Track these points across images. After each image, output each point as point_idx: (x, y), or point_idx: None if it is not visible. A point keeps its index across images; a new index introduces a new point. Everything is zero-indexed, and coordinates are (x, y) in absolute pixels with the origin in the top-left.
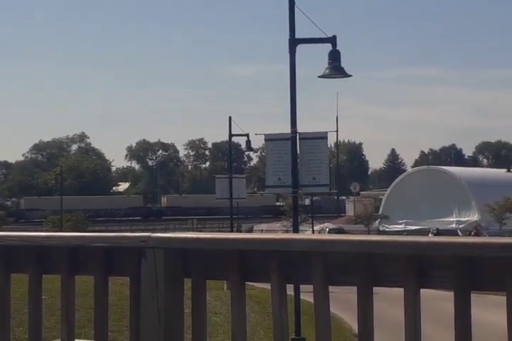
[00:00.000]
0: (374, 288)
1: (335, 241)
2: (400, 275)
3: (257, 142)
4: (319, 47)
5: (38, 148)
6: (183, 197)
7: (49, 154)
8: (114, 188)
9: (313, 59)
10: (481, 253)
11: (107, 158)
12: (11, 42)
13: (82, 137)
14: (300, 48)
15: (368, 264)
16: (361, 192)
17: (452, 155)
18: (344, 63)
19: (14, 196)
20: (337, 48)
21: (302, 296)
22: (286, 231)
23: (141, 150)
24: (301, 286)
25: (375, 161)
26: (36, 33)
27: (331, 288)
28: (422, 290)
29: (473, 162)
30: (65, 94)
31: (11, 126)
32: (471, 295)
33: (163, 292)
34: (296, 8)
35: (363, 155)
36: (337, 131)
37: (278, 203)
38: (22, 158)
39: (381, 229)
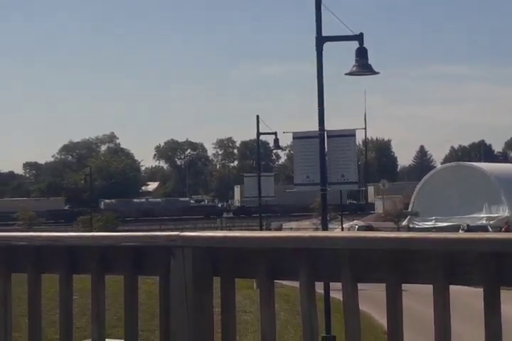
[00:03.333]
0: (403, 284)
1: (363, 238)
2: (429, 272)
3: (285, 140)
4: (347, 44)
5: (67, 148)
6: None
7: (79, 155)
8: (143, 188)
9: (341, 57)
10: (510, 248)
11: (136, 158)
12: (40, 44)
13: (112, 137)
14: (328, 46)
15: (397, 261)
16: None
17: (482, 151)
18: (372, 61)
19: (44, 197)
20: (364, 46)
21: (332, 294)
22: (316, 229)
23: (169, 150)
24: (331, 284)
25: (404, 158)
26: (65, 36)
27: (360, 286)
28: (451, 287)
29: (503, 158)
30: (94, 95)
31: (40, 127)
32: (501, 291)
33: (192, 291)
34: (322, 6)
35: (392, 152)
36: (365, 129)
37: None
38: (52, 159)
39: (411, 226)
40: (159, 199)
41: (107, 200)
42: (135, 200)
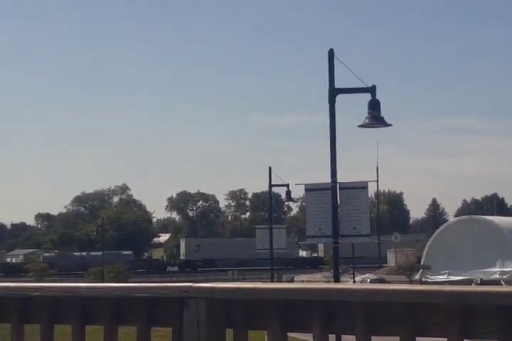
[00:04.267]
0: (417, 338)
1: (377, 291)
2: (443, 325)
3: (297, 192)
4: (360, 96)
5: (80, 200)
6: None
7: (91, 206)
8: (155, 239)
9: (354, 107)
10: None
11: (148, 209)
12: (50, 92)
13: (124, 189)
14: (341, 97)
15: (412, 314)
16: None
17: (494, 205)
18: (385, 113)
19: (56, 248)
20: (377, 98)
21: None
22: (328, 282)
23: (181, 201)
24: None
25: (416, 211)
26: (74, 84)
27: (374, 339)
28: None
29: None
30: (107, 146)
31: (53, 178)
32: None
33: None
34: (335, 59)
35: (404, 204)
36: (377, 181)
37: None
38: (64, 210)
39: (423, 279)
40: (100, 253)
41: (45, 254)
42: (75, 254)
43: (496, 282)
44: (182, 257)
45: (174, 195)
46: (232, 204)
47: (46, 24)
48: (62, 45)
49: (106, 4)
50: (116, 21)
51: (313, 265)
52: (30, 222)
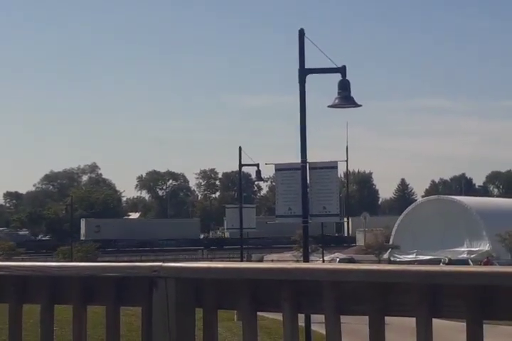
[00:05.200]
0: (386, 317)
1: (346, 270)
2: (412, 305)
3: (267, 172)
4: (332, 76)
5: (49, 178)
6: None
7: (60, 185)
8: (124, 218)
9: (325, 88)
10: (493, 282)
11: (117, 188)
12: (23, 68)
13: (93, 168)
14: (313, 78)
15: (380, 294)
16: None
17: (462, 185)
18: (356, 93)
19: (24, 227)
20: (347, 78)
21: (313, 327)
22: (297, 261)
23: (151, 180)
24: (312, 317)
25: (385, 191)
26: (48, 62)
27: (343, 319)
28: (434, 320)
29: (484, 191)
30: (76, 124)
31: (22, 156)
32: (484, 325)
33: (174, 322)
34: (306, 39)
35: (373, 184)
36: (347, 161)
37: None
38: (33, 189)
39: (392, 259)
40: None
41: None
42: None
43: (464, 261)
44: (82, 238)
45: (144, 174)
46: (203, 183)
47: None
48: (28, 19)
49: None
50: None
51: (284, 244)
52: None
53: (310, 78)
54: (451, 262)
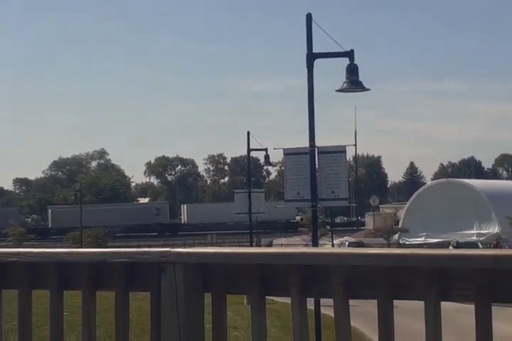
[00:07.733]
0: (394, 301)
1: (354, 254)
2: (420, 288)
3: (276, 156)
4: (340, 60)
5: (57, 165)
6: None
7: (69, 171)
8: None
9: (333, 72)
10: (501, 265)
11: (126, 174)
12: (30, 58)
13: (102, 154)
14: (321, 62)
15: (389, 277)
16: (380, 206)
17: (472, 168)
18: (364, 77)
19: (34, 213)
20: (355, 62)
21: (323, 310)
22: (306, 245)
23: (160, 166)
24: (322, 300)
25: (394, 174)
26: (53, 52)
27: (351, 302)
28: (443, 303)
29: (493, 174)
30: (85, 111)
31: (31, 143)
32: (492, 307)
33: (183, 307)
34: (313, 23)
35: (382, 168)
36: (355, 145)
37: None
38: (42, 175)
39: (401, 242)
40: None
41: None
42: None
43: (473, 244)
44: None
45: (153, 160)
46: (211, 168)
47: None
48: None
49: None
50: None
51: (294, 228)
52: (8, 186)
53: (318, 62)
54: (459, 245)
